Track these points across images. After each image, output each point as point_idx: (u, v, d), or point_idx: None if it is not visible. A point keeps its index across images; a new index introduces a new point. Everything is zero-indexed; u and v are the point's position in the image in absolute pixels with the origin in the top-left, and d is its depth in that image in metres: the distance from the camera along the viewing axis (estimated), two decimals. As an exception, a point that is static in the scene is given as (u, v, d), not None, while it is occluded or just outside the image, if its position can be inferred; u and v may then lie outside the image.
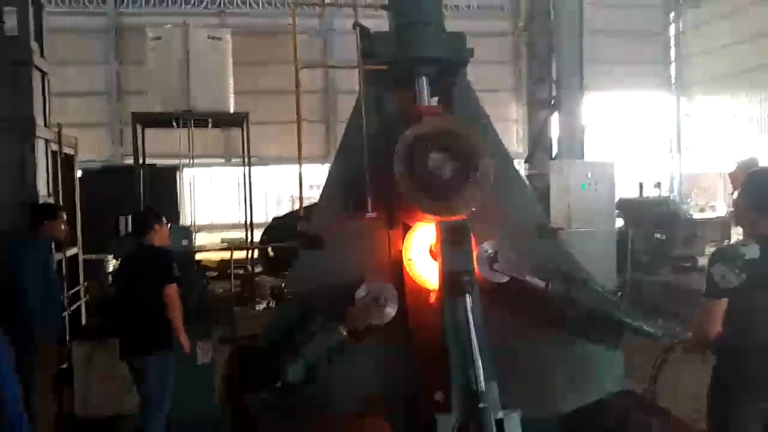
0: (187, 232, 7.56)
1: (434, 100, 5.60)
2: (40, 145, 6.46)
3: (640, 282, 10.94)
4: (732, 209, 3.67)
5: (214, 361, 5.59)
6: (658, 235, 13.25)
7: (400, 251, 5.04)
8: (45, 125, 6.73)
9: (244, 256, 11.64)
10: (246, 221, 13.01)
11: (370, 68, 5.35)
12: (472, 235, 4.71)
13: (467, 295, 4.34)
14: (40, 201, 6.27)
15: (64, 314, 5.58)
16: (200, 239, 15.19)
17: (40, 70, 6.62)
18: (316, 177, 9.30)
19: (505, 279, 4.81)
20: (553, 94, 13.09)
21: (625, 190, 16.38)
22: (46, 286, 5.19)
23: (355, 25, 5.49)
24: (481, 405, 3.97)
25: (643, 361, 4.16)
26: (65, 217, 5.82)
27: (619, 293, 5.94)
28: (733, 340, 3.30)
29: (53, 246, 5.73)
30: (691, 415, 4.60)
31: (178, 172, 14.00)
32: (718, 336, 3.32)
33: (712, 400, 3.43)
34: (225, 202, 28.38)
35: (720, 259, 3.31)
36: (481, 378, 4.07)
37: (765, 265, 3.25)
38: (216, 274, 9.79)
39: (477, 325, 4.27)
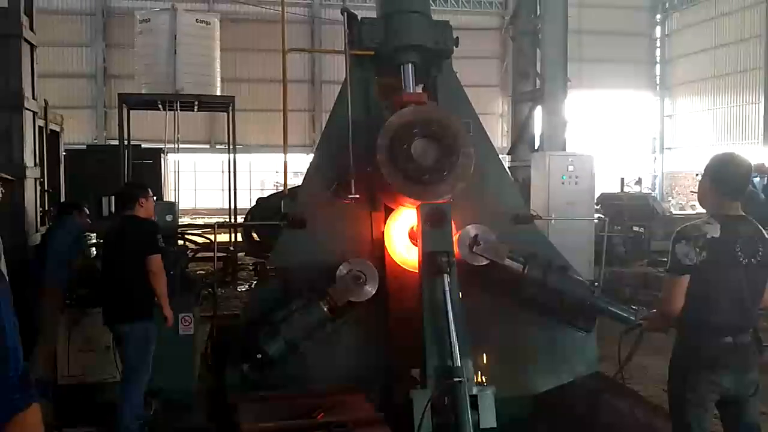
0: (172, 207, 7.60)
1: (419, 88, 5.71)
2: (27, 118, 6.49)
3: (617, 273, 11.15)
4: (696, 191, 3.79)
5: (195, 334, 5.67)
6: (637, 229, 13.52)
7: (382, 233, 5.16)
8: (33, 98, 6.75)
9: (228, 240, 11.69)
10: (230, 206, 13.04)
11: (356, 53, 5.45)
12: (452, 220, 4.84)
13: (445, 275, 4.46)
14: (27, 173, 6.38)
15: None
16: (183, 223, 15.18)
17: (29, 43, 6.64)
18: (300, 165, 9.40)
19: (485, 262, 4.95)
20: (537, 87, 13.27)
21: (607, 185, 16.62)
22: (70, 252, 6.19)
23: (343, 10, 5.58)
24: (455, 379, 4.07)
25: (614, 345, 4.29)
26: (87, 212, 6.89)
27: (596, 284, 6.07)
28: (692, 315, 3.44)
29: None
30: (660, 396, 4.74)
31: (162, 155, 13.99)
32: (680, 311, 3.45)
33: (672, 373, 3.57)
34: (209, 187, 28.35)
35: (682, 237, 3.45)
36: (457, 354, 4.19)
37: (724, 243, 3.40)
38: (198, 254, 9.82)
39: (454, 303, 4.38)
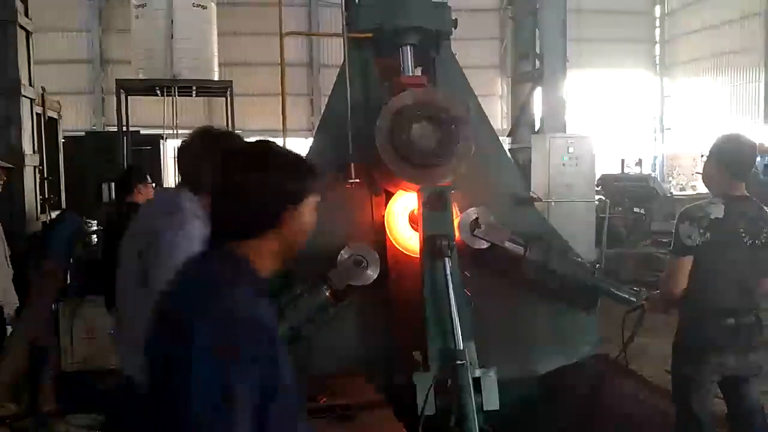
0: (172, 193, 7.61)
1: (418, 70, 5.68)
2: (25, 105, 6.45)
3: (618, 255, 11.17)
4: (700, 171, 3.79)
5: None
6: (637, 210, 13.53)
7: (383, 217, 5.15)
8: (30, 85, 6.72)
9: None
10: (229, 192, 13.04)
11: (354, 36, 5.41)
12: (453, 203, 4.82)
13: (446, 258, 4.45)
14: (26, 160, 6.36)
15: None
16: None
17: (25, 30, 6.59)
18: (299, 149, 9.39)
19: (486, 245, 4.94)
20: (537, 68, 13.19)
21: (608, 166, 16.61)
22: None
23: (340, -9, 5.52)
24: (458, 362, 4.08)
25: (616, 327, 4.30)
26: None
27: (597, 265, 6.09)
28: (695, 296, 3.45)
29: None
30: (661, 377, 4.74)
31: (161, 140, 13.93)
32: (683, 293, 3.46)
33: (675, 354, 3.59)
34: (208, 173, 28.30)
35: (686, 218, 3.44)
36: (459, 337, 4.19)
37: (728, 224, 3.40)
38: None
39: (456, 286, 4.38)
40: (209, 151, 2.71)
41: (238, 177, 1.82)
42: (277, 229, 1.85)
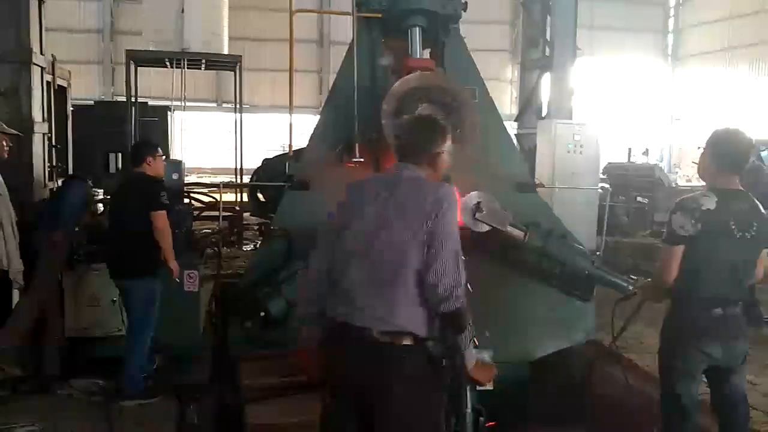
0: (179, 166, 7.64)
1: (426, 53, 5.70)
2: (35, 73, 6.49)
3: (618, 243, 11.20)
4: (697, 163, 3.84)
5: (200, 291, 5.75)
6: (640, 200, 13.54)
7: (385, 197, 5.19)
8: (41, 53, 6.75)
9: (233, 199, 11.73)
10: (236, 166, 13.05)
11: (363, 16, 5.44)
12: (455, 187, 4.86)
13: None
14: (35, 128, 6.41)
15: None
16: (189, 181, 15.22)
17: (38, -3, 6.62)
18: (307, 126, 9.28)
19: (487, 228, 4.99)
20: (547, 54, 13.14)
21: (616, 155, 16.58)
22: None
23: (351, -29, 5.53)
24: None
25: (610, 314, 4.35)
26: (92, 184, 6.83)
27: (597, 253, 6.15)
28: (684, 286, 3.52)
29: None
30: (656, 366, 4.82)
31: (169, 112, 13.97)
32: (674, 282, 3.53)
33: (662, 343, 3.66)
34: (215, 147, 28.29)
35: (680, 208, 3.51)
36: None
37: (719, 216, 3.46)
38: (203, 213, 9.91)
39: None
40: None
41: None
42: None
